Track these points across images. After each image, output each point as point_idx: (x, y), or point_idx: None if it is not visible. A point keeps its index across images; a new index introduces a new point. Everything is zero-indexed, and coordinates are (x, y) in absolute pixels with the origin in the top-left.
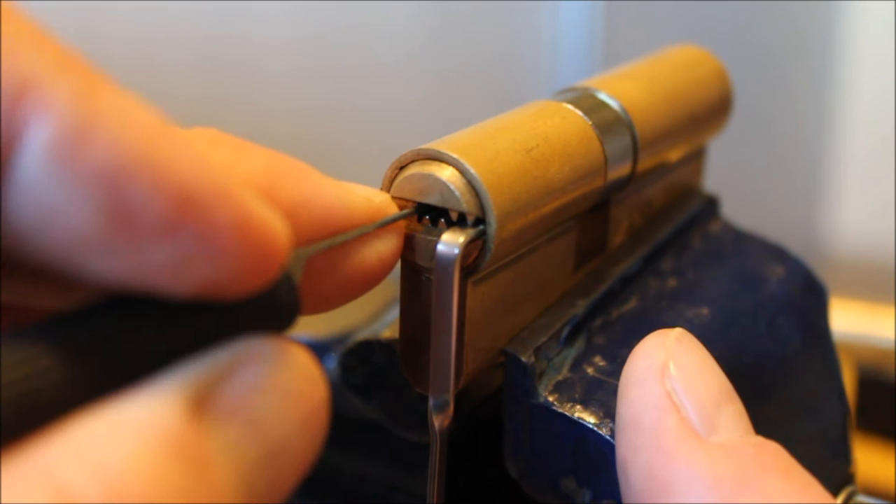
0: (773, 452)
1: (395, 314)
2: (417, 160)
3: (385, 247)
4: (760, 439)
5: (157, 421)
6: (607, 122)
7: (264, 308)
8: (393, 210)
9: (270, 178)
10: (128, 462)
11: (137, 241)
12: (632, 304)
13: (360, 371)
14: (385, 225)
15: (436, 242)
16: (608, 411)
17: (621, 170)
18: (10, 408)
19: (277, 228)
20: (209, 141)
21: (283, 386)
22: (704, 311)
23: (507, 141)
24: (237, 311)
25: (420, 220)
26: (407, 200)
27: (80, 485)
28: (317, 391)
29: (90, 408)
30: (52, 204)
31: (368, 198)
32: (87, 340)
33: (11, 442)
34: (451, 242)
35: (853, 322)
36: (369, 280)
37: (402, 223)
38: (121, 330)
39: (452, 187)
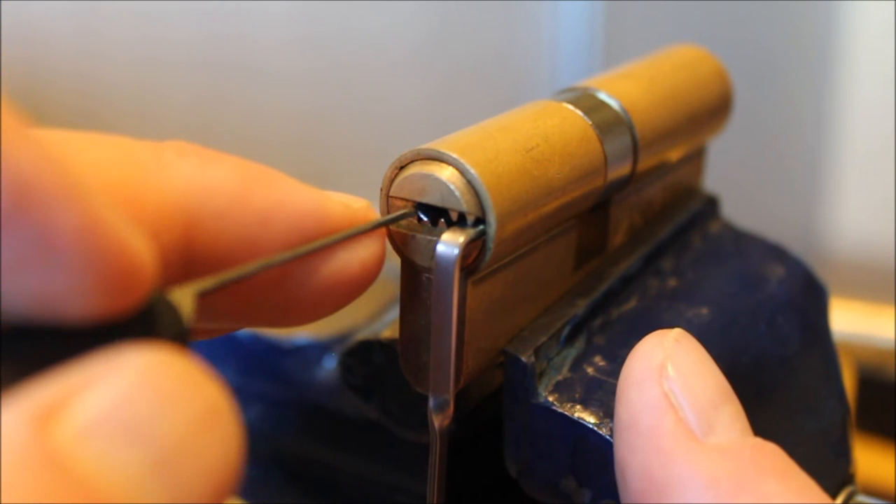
0: (770, 453)
1: (395, 314)
2: (417, 160)
3: (367, 253)
4: (758, 440)
5: None
6: (607, 122)
7: (138, 335)
8: (372, 216)
9: (241, 185)
10: None
11: None
12: (632, 303)
13: (360, 371)
14: (384, 226)
15: (436, 242)
16: (608, 411)
17: (621, 170)
18: None
19: (134, 247)
20: (177, 151)
21: (156, 391)
22: (704, 310)
23: (507, 141)
24: (106, 337)
25: (420, 220)
26: (407, 200)
27: None
28: (202, 396)
29: None
30: None
31: (345, 203)
32: None
33: None
34: (451, 242)
35: (853, 322)
36: (353, 287)
37: (383, 230)
38: None
39: (452, 187)
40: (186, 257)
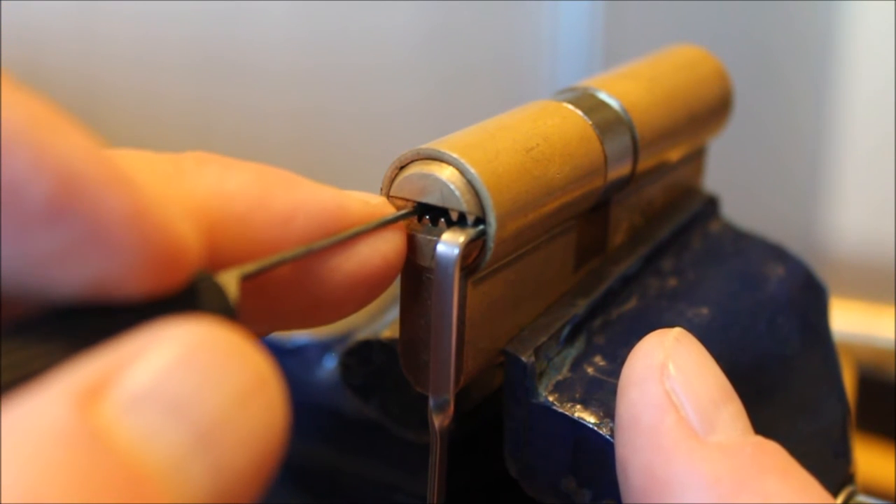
0: (772, 452)
1: (395, 314)
2: (417, 160)
3: (388, 246)
4: (759, 439)
5: (41, 418)
6: (607, 122)
7: (183, 314)
8: (390, 211)
9: (261, 188)
10: (11, 466)
11: (18, 226)
12: (632, 303)
13: (360, 371)
14: (385, 225)
15: (436, 242)
16: (608, 411)
17: (621, 169)
18: None
19: (179, 227)
20: (197, 161)
21: (201, 364)
22: (704, 310)
23: (507, 141)
24: (151, 315)
25: (420, 220)
26: (407, 200)
27: None
28: (248, 367)
29: None
30: None
31: (364, 200)
32: None
33: None
34: (451, 242)
35: (853, 322)
36: (376, 283)
37: (402, 224)
38: (19, 337)
39: (452, 187)
40: (211, 261)
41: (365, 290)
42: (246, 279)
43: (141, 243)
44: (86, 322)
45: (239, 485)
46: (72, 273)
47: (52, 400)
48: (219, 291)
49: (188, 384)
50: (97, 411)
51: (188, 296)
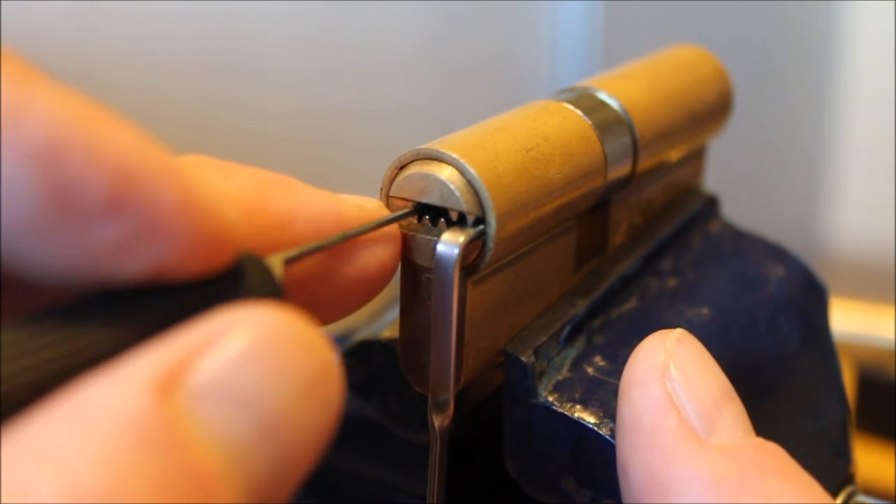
0: (772, 453)
1: (395, 314)
2: (417, 160)
3: (384, 252)
4: (760, 440)
5: (118, 406)
6: (607, 122)
7: (234, 297)
8: (386, 215)
9: (258, 193)
10: (87, 456)
11: (79, 221)
12: (632, 303)
13: (360, 371)
14: (384, 225)
15: (436, 242)
16: (608, 411)
17: (621, 169)
18: None
19: (226, 213)
20: (194, 165)
21: (272, 354)
22: (704, 310)
23: (507, 141)
24: (203, 297)
25: (420, 220)
26: (407, 200)
27: (40, 487)
28: (316, 357)
29: (49, 401)
30: None
31: (360, 204)
32: (41, 335)
33: None
34: (451, 242)
35: (853, 322)
36: (372, 286)
37: (397, 228)
38: (79, 319)
39: (452, 187)
40: None
41: (360, 294)
42: (289, 263)
43: (192, 228)
44: (145, 303)
45: (293, 472)
46: (132, 261)
47: (129, 384)
48: (265, 272)
49: (258, 375)
50: (171, 401)
51: (236, 274)
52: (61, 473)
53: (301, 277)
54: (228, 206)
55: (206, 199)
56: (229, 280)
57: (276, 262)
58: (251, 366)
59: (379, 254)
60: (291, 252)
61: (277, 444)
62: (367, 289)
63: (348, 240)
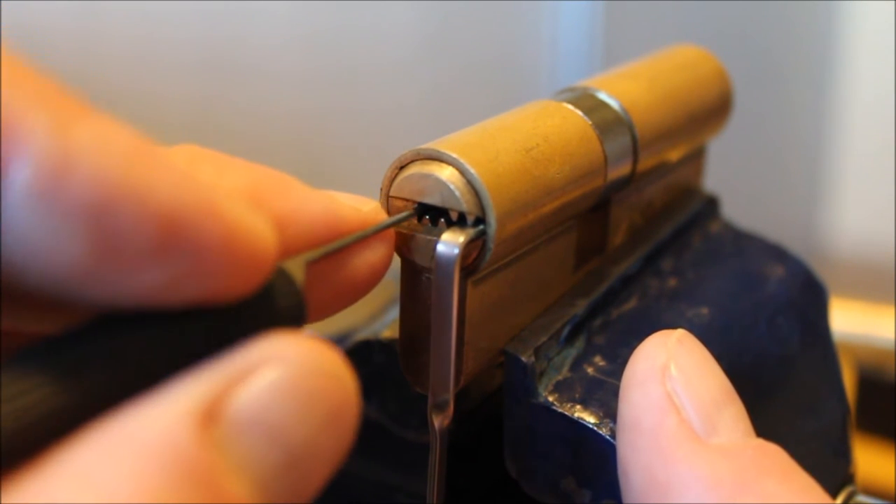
0: (773, 454)
1: (395, 314)
2: (417, 160)
3: (375, 256)
4: (761, 441)
5: (163, 437)
6: (607, 122)
7: (263, 310)
8: (382, 217)
9: (255, 193)
10: (131, 486)
11: (127, 267)
12: (632, 303)
13: (360, 371)
14: (386, 228)
15: (436, 242)
16: (608, 411)
17: (621, 169)
18: (10, 437)
19: (264, 234)
20: (190, 158)
21: (304, 387)
22: (704, 310)
23: (507, 141)
24: (235, 315)
25: (420, 220)
26: (407, 200)
27: None
28: (342, 388)
29: (94, 426)
30: (38, 239)
31: (355, 207)
32: (84, 358)
33: (12, 470)
34: (451, 242)
35: (853, 322)
36: (359, 289)
37: (392, 232)
38: (118, 342)
39: (452, 187)
40: None
41: (347, 298)
42: (310, 264)
43: (236, 259)
44: (179, 326)
45: (309, 494)
46: (176, 297)
47: (172, 415)
48: (289, 280)
49: (291, 408)
50: (213, 432)
51: (266, 287)
52: (101, 498)
53: None
54: (265, 222)
55: (248, 228)
56: (260, 294)
57: (297, 268)
58: (284, 399)
59: (369, 257)
60: (312, 254)
61: (300, 474)
62: (356, 290)
63: (366, 237)
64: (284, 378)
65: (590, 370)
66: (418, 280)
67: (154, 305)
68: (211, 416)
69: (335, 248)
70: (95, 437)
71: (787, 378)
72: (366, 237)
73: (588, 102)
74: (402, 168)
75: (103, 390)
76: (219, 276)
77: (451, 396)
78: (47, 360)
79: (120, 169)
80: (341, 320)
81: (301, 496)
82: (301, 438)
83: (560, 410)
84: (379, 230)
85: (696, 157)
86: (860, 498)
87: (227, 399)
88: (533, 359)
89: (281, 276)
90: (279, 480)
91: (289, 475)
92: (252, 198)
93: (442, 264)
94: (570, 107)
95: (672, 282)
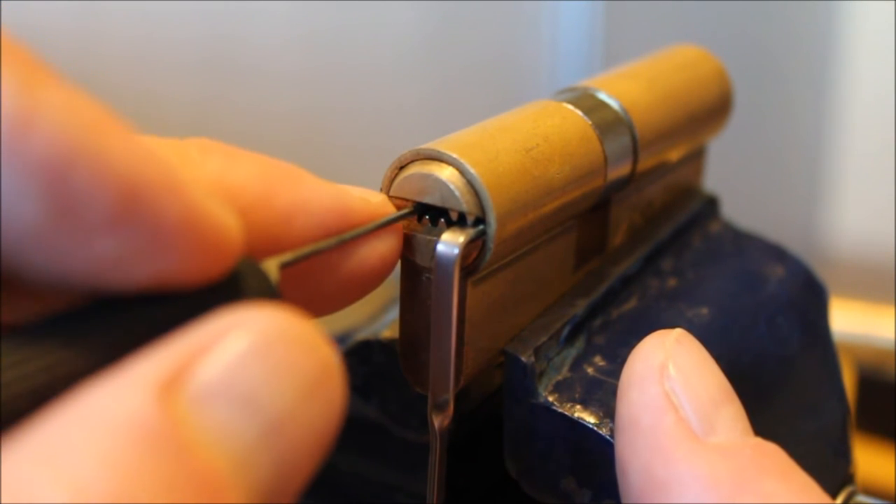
0: (771, 453)
1: (395, 314)
2: (417, 160)
3: (385, 247)
4: (759, 440)
5: (121, 409)
6: (607, 122)
7: (232, 298)
8: (390, 210)
9: (265, 184)
10: (91, 459)
11: (82, 234)
12: (632, 303)
13: (360, 371)
14: (384, 226)
15: (436, 242)
16: (608, 411)
17: (621, 169)
18: None
19: (227, 222)
20: (201, 149)
21: (274, 354)
22: (704, 310)
23: (507, 141)
24: (202, 301)
25: (420, 220)
26: (407, 200)
27: (45, 490)
28: (317, 358)
29: (53, 407)
30: None
31: (365, 198)
32: (45, 342)
33: None
34: (450, 242)
35: (853, 322)
36: (371, 281)
37: (400, 224)
38: (79, 327)
39: (452, 187)
40: None
41: (358, 289)
42: (284, 267)
43: (195, 239)
44: (145, 311)
45: (298, 473)
46: (133, 272)
47: (131, 388)
48: (262, 276)
49: (260, 376)
50: (174, 403)
51: (234, 280)
52: (65, 476)
53: (301, 270)
54: (230, 211)
55: (210, 213)
56: (228, 287)
57: (272, 267)
58: (252, 367)
59: (379, 248)
60: (287, 256)
61: (282, 446)
62: (367, 282)
63: (345, 243)
64: (251, 345)
65: (590, 370)
66: (418, 280)
67: (111, 283)
68: (172, 385)
69: (320, 248)
70: (52, 416)
71: (786, 378)
72: (366, 233)
73: (588, 102)
74: (401, 168)
75: (61, 373)
76: (176, 255)
77: (451, 396)
78: (11, 344)
79: (81, 133)
80: (341, 320)
81: (290, 474)
82: (278, 408)
83: (560, 410)
84: (378, 227)
85: (696, 157)
86: (860, 498)
87: (191, 368)
88: (533, 359)
89: (255, 273)
90: (261, 452)
91: (271, 447)
92: (262, 189)
93: (442, 264)
94: (570, 107)
95: (672, 282)
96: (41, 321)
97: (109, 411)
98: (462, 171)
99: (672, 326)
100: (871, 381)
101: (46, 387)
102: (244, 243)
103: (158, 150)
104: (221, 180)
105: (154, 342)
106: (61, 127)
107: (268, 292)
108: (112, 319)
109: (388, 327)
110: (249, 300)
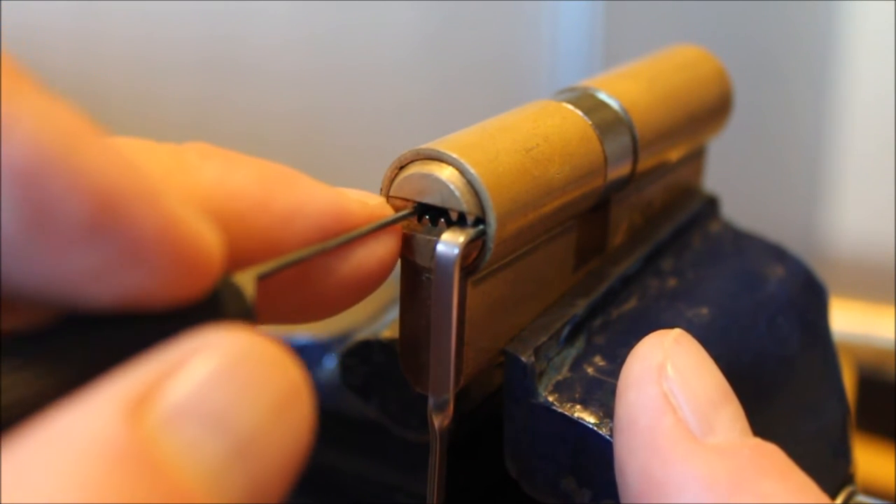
0: (770, 454)
1: (395, 314)
2: (417, 160)
3: (383, 249)
4: (758, 440)
5: (88, 430)
6: (607, 122)
7: (207, 319)
8: (388, 212)
9: (262, 188)
10: (59, 480)
11: (57, 245)
12: (632, 303)
13: (360, 371)
14: (382, 227)
15: (436, 242)
16: (608, 411)
17: (621, 169)
18: None
19: (208, 239)
20: (199, 154)
21: (242, 374)
22: (704, 310)
23: (507, 141)
24: (178, 325)
25: (420, 220)
26: (407, 200)
27: None
28: (285, 378)
29: (23, 429)
30: None
31: (363, 201)
32: (15, 362)
33: None
34: (450, 242)
35: (853, 322)
36: (369, 283)
37: (399, 225)
38: (52, 347)
39: (452, 187)
40: None
41: (357, 291)
42: (261, 279)
43: (172, 255)
44: (119, 331)
45: (270, 491)
46: (107, 287)
47: (100, 409)
48: (238, 293)
49: (229, 396)
50: (143, 423)
51: (211, 300)
52: (32, 497)
53: (298, 272)
54: (211, 229)
55: (188, 226)
56: (205, 307)
57: (247, 281)
58: (221, 386)
59: (378, 251)
60: (264, 267)
61: (253, 464)
62: (365, 285)
63: (325, 252)
64: (219, 365)
65: (590, 370)
66: (418, 280)
67: (85, 297)
68: (140, 405)
69: (301, 257)
70: (20, 439)
71: (786, 378)
72: (364, 235)
73: (588, 102)
74: (402, 168)
75: (34, 391)
76: (152, 269)
77: (451, 396)
78: None
79: (59, 141)
80: (341, 320)
81: (261, 492)
82: (247, 427)
83: (560, 410)
84: (378, 228)
85: (696, 157)
86: (860, 498)
87: (160, 388)
88: (533, 359)
89: (230, 289)
90: (232, 470)
91: (241, 466)
92: (260, 192)
93: (442, 264)
94: (570, 107)
95: (672, 282)
96: (12, 338)
97: (77, 432)
98: (462, 171)
99: (672, 326)
100: (871, 381)
101: (14, 405)
102: (225, 260)
103: (139, 160)
104: (220, 185)
105: (126, 363)
106: (36, 135)
107: (243, 312)
108: (86, 339)
109: (388, 327)
110: (226, 320)
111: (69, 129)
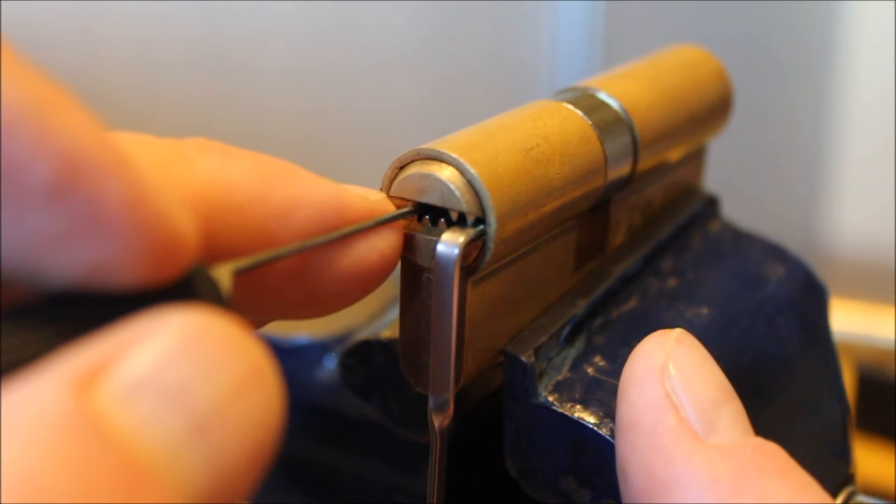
0: (771, 453)
1: (395, 314)
2: (417, 160)
3: (385, 244)
4: (759, 440)
5: (34, 406)
6: (607, 122)
7: (173, 302)
8: (389, 208)
9: (261, 180)
10: (7, 453)
11: (17, 204)
12: (632, 303)
13: (360, 371)
14: (383, 223)
15: (436, 242)
16: (608, 411)
17: (621, 169)
18: None
19: (178, 217)
20: (197, 148)
21: (199, 351)
22: (704, 310)
23: (507, 141)
24: (146, 304)
25: (420, 219)
26: (407, 200)
27: None
28: (246, 358)
29: None
30: None
31: (363, 196)
32: None
33: None
34: (451, 242)
35: (853, 322)
36: (371, 278)
37: (401, 221)
38: (15, 325)
39: (452, 187)
40: (207, 252)
41: (360, 286)
42: (239, 274)
43: (138, 230)
44: (80, 309)
45: (235, 475)
46: (68, 257)
47: (48, 385)
48: (212, 285)
49: (185, 372)
50: (94, 397)
51: (182, 287)
52: None
53: (297, 266)
54: (185, 214)
55: (158, 203)
56: (175, 293)
57: (224, 275)
58: (178, 362)
59: (380, 245)
60: (242, 262)
61: (213, 443)
62: (368, 280)
63: (307, 250)
64: (175, 342)
65: (590, 370)
66: (418, 280)
67: (46, 266)
68: (91, 380)
69: (279, 255)
70: None
71: (786, 378)
72: (365, 230)
73: (588, 102)
74: (402, 168)
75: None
76: (115, 242)
77: (451, 396)
78: None
79: (28, 99)
80: (341, 320)
81: (227, 474)
82: (205, 403)
83: (560, 410)
84: (378, 224)
85: (696, 157)
86: (860, 498)
87: (112, 364)
88: (533, 359)
89: (204, 280)
90: (189, 448)
91: (200, 443)
92: (259, 185)
93: (442, 264)
94: (570, 107)
95: (672, 282)
96: None
97: (23, 409)
98: (462, 171)
99: (672, 326)
100: (871, 381)
101: None
102: (198, 248)
103: (135, 151)
104: (218, 177)
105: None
106: (6, 92)
107: (216, 300)
108: (50, 316)
109: (388, 327)
110: (199, 301)
111: (40, 91)
